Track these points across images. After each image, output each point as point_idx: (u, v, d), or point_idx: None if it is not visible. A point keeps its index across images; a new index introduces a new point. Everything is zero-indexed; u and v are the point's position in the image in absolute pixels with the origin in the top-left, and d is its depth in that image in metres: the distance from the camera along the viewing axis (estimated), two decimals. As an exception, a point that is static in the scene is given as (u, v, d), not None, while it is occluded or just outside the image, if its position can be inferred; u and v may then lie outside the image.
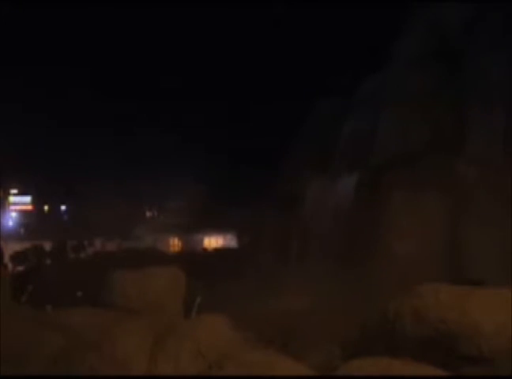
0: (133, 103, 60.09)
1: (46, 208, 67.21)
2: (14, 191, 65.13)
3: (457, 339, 5.86)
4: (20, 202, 65.63)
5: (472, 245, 14.90)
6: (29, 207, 65.66)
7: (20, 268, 24.71)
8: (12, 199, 65.14)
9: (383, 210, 16.50)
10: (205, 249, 41.69)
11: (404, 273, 14.39)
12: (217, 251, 33.83)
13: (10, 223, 61.18)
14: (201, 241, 52.44)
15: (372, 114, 19.12)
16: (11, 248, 28.04)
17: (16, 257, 26.36)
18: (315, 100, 24.01)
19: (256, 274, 21.30)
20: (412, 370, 4.85)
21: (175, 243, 52.72)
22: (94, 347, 5.86)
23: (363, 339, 7.04)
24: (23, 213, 64.38)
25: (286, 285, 18.34)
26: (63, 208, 68.42)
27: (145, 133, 60.14)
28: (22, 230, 55.90)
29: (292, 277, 18.76)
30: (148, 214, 68.63)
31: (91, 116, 58.72)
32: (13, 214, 64.08)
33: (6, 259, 26.11)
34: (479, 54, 16.75)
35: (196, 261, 23.81)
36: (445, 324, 5.95)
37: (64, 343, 6.27)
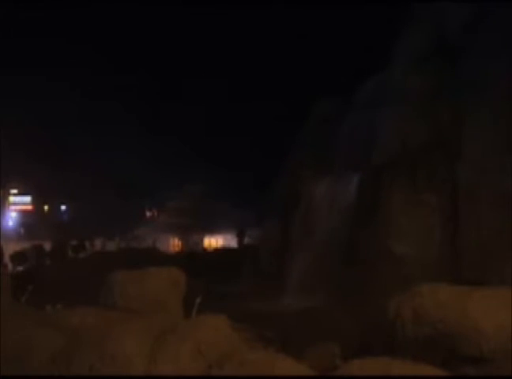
0: (133, 104, 60.06)
1: (46, 208, 67.24)
2: (14, 191, 65.13)
3: (457, 339, 5.86)
4: (20, 202, 65.65)
5: (471, 246, 14.90)
6: (29, 207, 65.67)
7: (20, 268, 24.71)
8: (12, 199, 65.14)
9: (383, 210, 16.50)
10: (205, 249, 41.71)
11: (403, 273, 14.39)
12: (217, 251, 33.81)
13: (10, 223, 61.18)
14: (201, 241, 52.49)
15: (372, 114, 19.10)
16: (11, 248, 28.05)
17: (16, 257, 26.35)
18: (315, 100, 23.99)
19: (256, 274, 21.30)
20: (412, 370, 4.85)
21: (175, 243, 52.75)
22: (94, 347, 5.86)
23: (363, 339, 7.04)
24: (23, 213, 64.37)
25: (286, 285, 18.34)
26: (63, 208, 68.45)
27: (146, 134, 60.16)
28: (22, 230, 55.90)
29: (292, 277, 18.76)
30: (148, 214, 68.65)
31: (91, 116, 58.72)
32: (13, 214, 64.08)
33: (6, 259, 26.14)
34: (479, 54, 16.74)
35: (196, 261, 23.82)
36: (445, 324, 5.95)
37: (64, 343, 6.27)
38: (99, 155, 57.04)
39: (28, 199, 65.68)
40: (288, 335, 9.69)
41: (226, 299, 15.03)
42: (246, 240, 35.99)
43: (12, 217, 63.28)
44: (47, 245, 30.27)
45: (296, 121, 25.77)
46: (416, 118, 17.67)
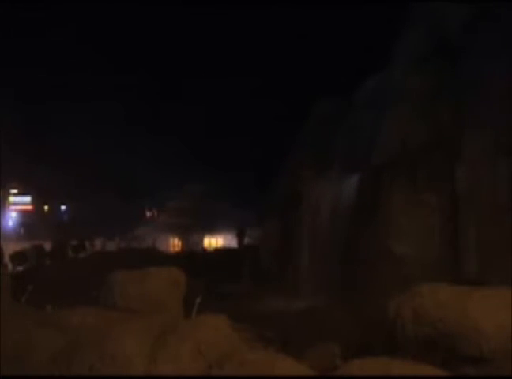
0: (133, 104, 60.04)
1: (46, 208, 67.24)
2: (14, 191, 65.13)
3: (457, 339, 5.86)
4: (20, 202, 65.64)
5: (471, 246, 14.90)
6: (29, 207, 65.65)
7: (20, 268, 24.72)
8: (12, 199, 65.14)
9: (383, 210, 16.49)
10: (205, 249, 41.72)
11: (403, 273, 14.40)
12: (217, 251, 33.82)
13: (10, 223, 61.17)
14: (201, 241, 52.49)
15: (372, 114, 19.10)
16: (11, 248, 28.05)
17: (16, 257, 26.36)
18: (315, 100, 23.98)
19: (256, 274, 21.31)
20: (412, 370, 4.85)
21: (175, 243, 52.76)
22: (94, 347, 5.86)
23: (363, 339, 7.05)
24: (23, 213, 64.36)
25: (286, 285, 18.35)
26: (63, 208, 68.45)
27: (146, 134, 60.16)
28: (22, 230, 55.90)
29: (292, 277, 18.77)
30: (148, 214, 68.63)
31: (91, 116, 58.70)
32: (13, 214, 64.07)
33: (6, 259, 26.14)
34: (479, 54, 16.73)
35: (196, 261, 23.82)
36: (445, 324, 5.95)
37: (64, 343, 6.27)
38: (99, 155, 57.02)
39: (28, 199, 65.67)
40: (288, 335, 9.70)
41: (226, 299, 15.04)
42: (246, 240, 35.98)
43: (12, 217, 63.27)
44: (47, 245, 30.27)
45: (296, 121, 25.77)
46: (416, 118, 17.67)
